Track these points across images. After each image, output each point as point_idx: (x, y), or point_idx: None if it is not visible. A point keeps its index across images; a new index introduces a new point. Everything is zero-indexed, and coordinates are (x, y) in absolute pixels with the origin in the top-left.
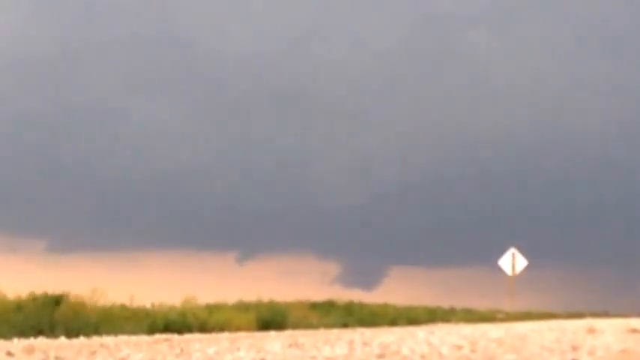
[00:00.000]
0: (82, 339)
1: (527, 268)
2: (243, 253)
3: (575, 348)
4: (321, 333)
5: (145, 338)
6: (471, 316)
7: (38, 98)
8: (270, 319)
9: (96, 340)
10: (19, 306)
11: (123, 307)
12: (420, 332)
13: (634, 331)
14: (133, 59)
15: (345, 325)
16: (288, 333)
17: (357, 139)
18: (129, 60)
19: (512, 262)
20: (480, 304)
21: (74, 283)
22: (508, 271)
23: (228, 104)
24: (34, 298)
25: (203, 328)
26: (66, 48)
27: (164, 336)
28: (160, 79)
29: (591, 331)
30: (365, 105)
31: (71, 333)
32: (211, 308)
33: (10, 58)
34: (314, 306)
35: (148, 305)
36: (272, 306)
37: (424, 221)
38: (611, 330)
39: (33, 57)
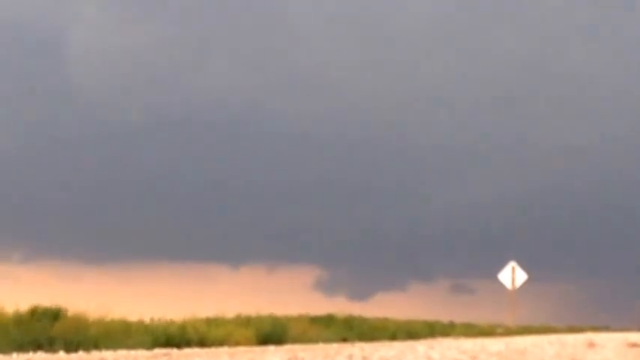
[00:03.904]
0: (81, 354)
1: (527, 282)
2: (234, 264)
3: None
4: (321, 347)
5: (144, 353)
6: (471, 331)
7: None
8: (270, 333)
9: (95, 355)
10: (17, 320)
11: (122, 321)
12: (420, 346)
13: (634, 345)
14: None
15: (344, 339)
16: (287, 347)
17: None
18: None
19: (512, 276)
20: (480, 318)
21: (72, 296)
22: (508, 285)
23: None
24: (32, 312)
25: (203, 343)
26: None
27: (163, 350)
28: None
29: (591, 345)
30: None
31: (70, 348)
32: (210, 322)
33: None
34: (313, 320)
35: (147, 319)
36: (271, 320)
37: (423, 234)
38: (611, 344)
39: None
